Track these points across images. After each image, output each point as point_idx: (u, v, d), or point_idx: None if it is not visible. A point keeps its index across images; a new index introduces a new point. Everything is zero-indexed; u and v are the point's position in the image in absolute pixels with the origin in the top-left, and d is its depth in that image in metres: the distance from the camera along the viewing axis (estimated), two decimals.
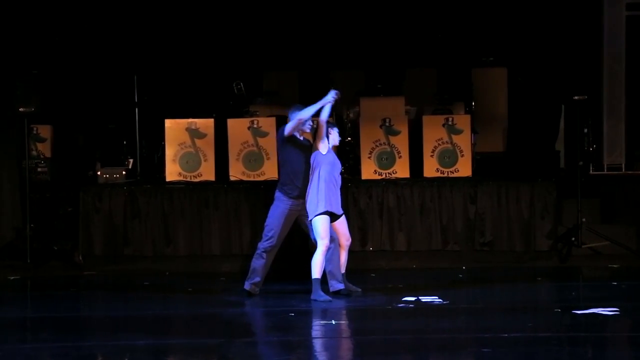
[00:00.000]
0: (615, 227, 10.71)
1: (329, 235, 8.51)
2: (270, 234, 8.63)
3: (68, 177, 11.63)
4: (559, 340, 7.17)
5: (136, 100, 11.81)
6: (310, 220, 8.55)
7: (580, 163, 10.72)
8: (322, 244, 8.48)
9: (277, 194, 8.70)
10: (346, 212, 10.34)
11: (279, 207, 8.64)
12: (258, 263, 8.66)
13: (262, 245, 8.67)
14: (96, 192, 10.67)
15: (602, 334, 7.36)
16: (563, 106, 11.96)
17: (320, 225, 8.48)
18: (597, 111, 11.34)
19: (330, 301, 8.39)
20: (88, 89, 12.14)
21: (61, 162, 11.84)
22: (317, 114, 8.64)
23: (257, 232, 10.23)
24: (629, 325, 7.72)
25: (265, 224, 8.72)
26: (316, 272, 8.45)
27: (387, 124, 10.91)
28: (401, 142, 10.87)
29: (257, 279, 8.68)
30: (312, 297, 8.43)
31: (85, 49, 12.05)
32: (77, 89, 12.12)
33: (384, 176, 10.85)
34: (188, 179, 10.93)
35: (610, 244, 10.44)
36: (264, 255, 8.64)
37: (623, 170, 11.28)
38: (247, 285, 8.73)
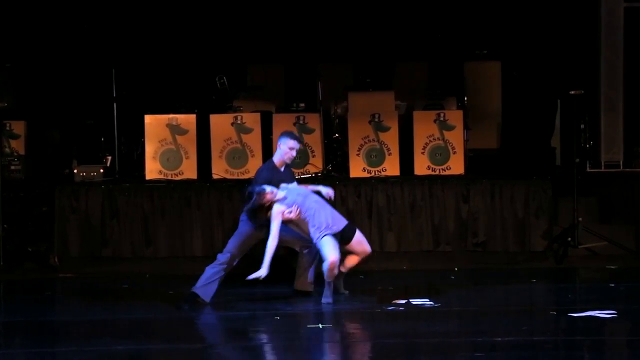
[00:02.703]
0: (613, 226, 10.75)
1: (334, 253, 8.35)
2: (231, 249, 8.61)
3: (43, 176, 11.59)
4: (555, 344, 7.20)
5: (114, 95, 11.77)
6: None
7: (577, 160, 10.74)
8: (327, 263, 8.38)
9: (244, 217, 8.68)
10: None
11: (245, 228, 8.62)
12: (214, 272, 8.55)
13: (222, 257, 8.62)
14: (72, 191, 10.64)
15: (599, 338, 7.39)
16: (559, 101, 12.00)
17: (324, 246, 8.39)
18: (595, 106, 11.39)
19: (329, 304, 8.36)
20: (64, 83, 12.10)
21: (36, 159, 11.79)
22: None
23: None
24: (627, 328, 7.76)
25: (230, 239, 8.71)
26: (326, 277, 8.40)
27: (377, 120, 10.92)
28: (391, 139, 10.88)
29: (213, 288, 8.54)
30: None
31: (61, 41, 12.01)
32: (53, 83, 12.08)
33: (373, 174, 10.86)
34: (169, 177, 10.92)
35: (608, 244, 10.48)
36: (222, 268, 8.58)
37: (621, 167, 11.32)
38: (199, 291, 8.54)
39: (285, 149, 8.74)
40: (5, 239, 10.39)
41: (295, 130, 10.69)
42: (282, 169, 8.81)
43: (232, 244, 8.65)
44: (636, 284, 9.34)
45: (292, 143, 8.74)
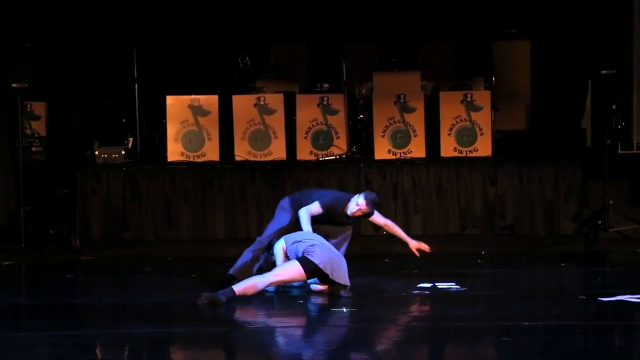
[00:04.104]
0: None
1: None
2: (272, 233, 8.53)
3: (64, 157, 11.66)
4: (584, 329, 7.18)
5: (136, 76, 11.81)
6: None
7: (608, 142, 10.67)
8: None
9: (284, 203, 8.59)
10: None
11: (283, 215, 8.54)
12: (252, 258, 8.46)
13: (263, 239, 8.50)
14: (94, 172, 10.70)
15: (629, 323, 7.36)
16: (590, 81, 11.91)
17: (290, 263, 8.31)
18: (626, 86, 11.28)
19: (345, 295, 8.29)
20: (85, 64, 12.14)
21: (57, 141, 11.86)
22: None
23: (263, 215, 10.25)
24: None
25: (270, 223, 8.65)
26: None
27: (402, 101, 10.89)
28: (417, 120, 10.86)
29: (251, 272, 8.41)
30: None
31: (81, 21, 12.04)
32: (74, 64, 12.11)
33: (398, 156, 10.84)
34: (191, 159, 10.95)
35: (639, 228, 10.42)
36: (261, 250, 8.49)
37: None
38: (237, 274, 8.43)
39: (354, 202, 8.46)
40: (26, 221, 10.47)
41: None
42: (347, 216, 8.53)
43: (272, 228, 8.57)
44: None
45: (361, 202, 8.42)
